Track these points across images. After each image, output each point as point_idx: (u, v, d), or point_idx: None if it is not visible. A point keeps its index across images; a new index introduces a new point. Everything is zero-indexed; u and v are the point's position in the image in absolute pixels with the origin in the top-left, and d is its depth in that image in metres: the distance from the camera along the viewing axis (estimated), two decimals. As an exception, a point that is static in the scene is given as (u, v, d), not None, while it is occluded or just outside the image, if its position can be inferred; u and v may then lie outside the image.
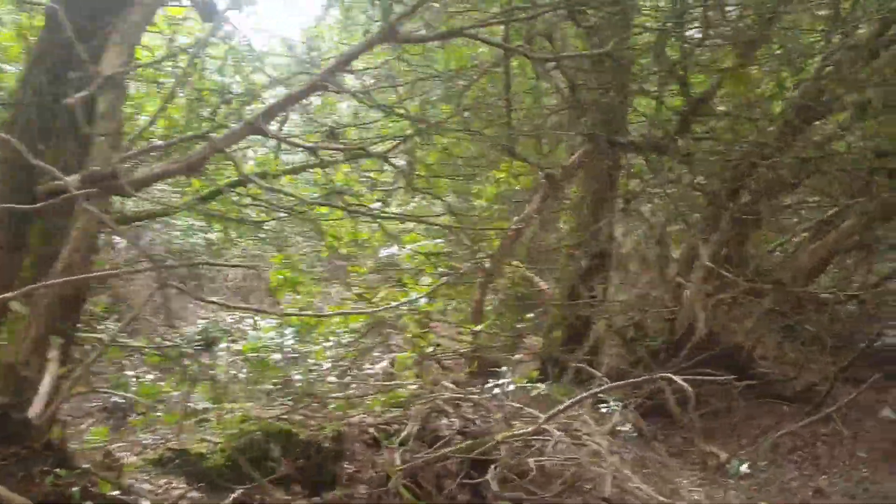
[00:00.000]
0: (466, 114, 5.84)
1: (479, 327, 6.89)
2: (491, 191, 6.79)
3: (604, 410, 5.72)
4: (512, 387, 6.32)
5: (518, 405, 4.71)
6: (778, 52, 5.82)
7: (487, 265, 6.85)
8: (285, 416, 3.77)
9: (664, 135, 5.85)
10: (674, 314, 7.45)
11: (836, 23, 5.54)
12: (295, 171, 5.67)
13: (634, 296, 7.48)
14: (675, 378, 4.44)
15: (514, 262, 7.72)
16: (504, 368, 6.60)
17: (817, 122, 8.03)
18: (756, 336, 9.02)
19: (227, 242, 8.36)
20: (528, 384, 5.12)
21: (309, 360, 5.29)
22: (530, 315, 7.69)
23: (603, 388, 4.80)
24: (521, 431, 3.90)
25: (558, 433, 3.94)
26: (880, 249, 10.57)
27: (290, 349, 5.32)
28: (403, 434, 3.95)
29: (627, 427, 5.05)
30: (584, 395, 4.53)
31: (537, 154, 5.81)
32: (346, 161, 5.63)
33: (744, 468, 5.49)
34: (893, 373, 10.74)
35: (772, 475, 5.68)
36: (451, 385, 4.88)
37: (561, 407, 4.16)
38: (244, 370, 4.60)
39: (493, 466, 3.82)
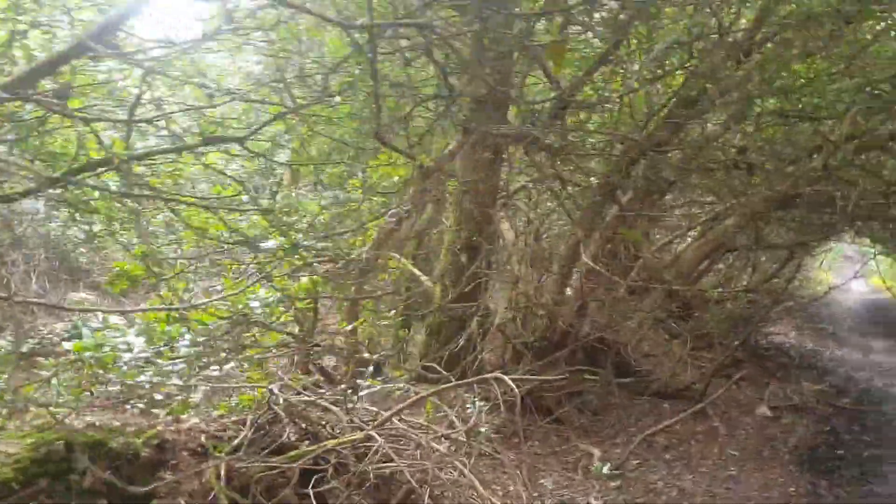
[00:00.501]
0: (337, 99, 5.53)
1: (353, 325, 6.59)
2: (370, 181, 6.52)
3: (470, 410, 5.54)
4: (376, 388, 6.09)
5: (373, 408, 4.44)
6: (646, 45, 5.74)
7: (363, 260, 6.56)
8: (100, 423, 3.39)
9: (538, 126, 5.70)
10: (556, 312, 7.33)
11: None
12: (142, 157, 5.22)
13: (516, 293, 7.34)
14: (506, 378, 4.26)
15: (397, 257, 7.45)
16: (370, 369, 6.35)
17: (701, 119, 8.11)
18: (640, 334, 9.09)
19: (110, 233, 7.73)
20: (390, 384, 4.86)
21: (159, 361, 4.90)
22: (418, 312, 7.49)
23: (440, 388, 4.62)
24: (349, 438, 3.62)
25: (387, 438, 3.68)
26: (763, 248, 10.90)
27: (139, 349, 4.92)
28: (236, 441, 3.62)
29: (484, 428, 4.85)
30: (417, 397, 4.34)
31: (411, 143, 5.53)
32: (200, 148, 5.21)
33: (606, 469, 5.37)
34: (774, 369, 11.11)
35: (640, 474, 5.61)
36: (307, 387, 4.56)
37: (388, 413, 3.92)
38: (69, 372, 4.17)
39: (325, 475, 3.54)
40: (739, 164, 7.01)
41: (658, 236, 11.29)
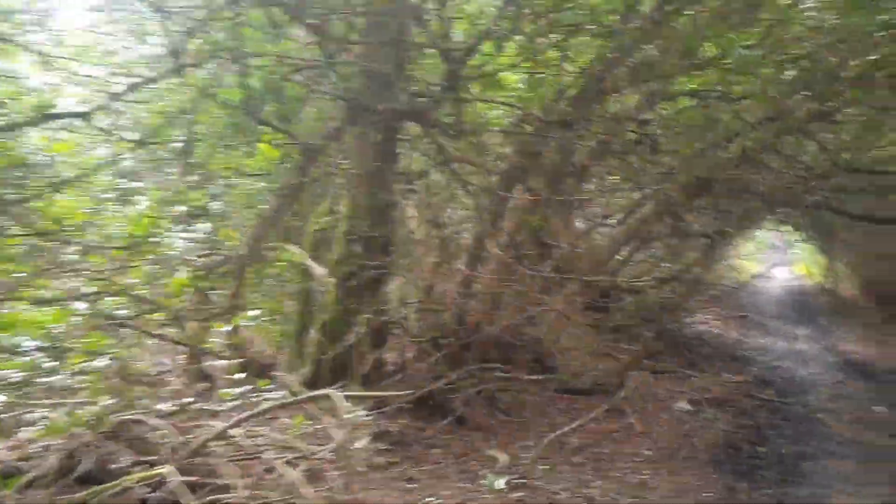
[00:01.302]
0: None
1: (233, 323, 5.93)
2: (251, 164, 5.85)
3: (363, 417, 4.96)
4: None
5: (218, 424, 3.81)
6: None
7: (244, 251, 5.92)
8: None
9: (433, 102, 5.15)
10: (463, 306, 6.81)
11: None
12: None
13: (421, 286, 6.79)
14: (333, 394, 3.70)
15: (289, 248, 6.80)
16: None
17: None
18: (557, 327, 8.65)
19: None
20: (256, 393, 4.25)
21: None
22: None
23: (301, 397, 4.04)
24: (148, 473, 3.00)
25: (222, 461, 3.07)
26: (684, 237, 10.65)
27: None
28: (37, 471, 2.96)
29: (364, 441, 4.28)
30: (261, 408, 3.75)
31: (286, 119, 4.89)
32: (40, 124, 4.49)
33: (500, 483, 4.85)
34: (696, 360, 10.85)
35: (545, 482, 5.10)
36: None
37: (216, 430, 3.32)
38: None
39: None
40: (643, 138, 6.56)
41: (581, 225, 10.93)
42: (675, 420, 7.29)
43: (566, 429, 6.05)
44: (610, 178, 9.35)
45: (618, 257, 10.51)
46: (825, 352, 12.82)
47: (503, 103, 6.08)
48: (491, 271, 7.03)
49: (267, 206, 5.87)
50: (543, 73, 6.29)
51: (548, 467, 5.55)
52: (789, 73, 7.53)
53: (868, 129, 8.54)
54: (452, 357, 6.72)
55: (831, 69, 6.84)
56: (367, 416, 5.59)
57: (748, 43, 5.80)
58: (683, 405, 7.79)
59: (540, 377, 7.14)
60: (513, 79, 6.48)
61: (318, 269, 6.61)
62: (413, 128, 6.21)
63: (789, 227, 15.21)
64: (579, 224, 10.96)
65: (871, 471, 5.86)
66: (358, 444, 4.04)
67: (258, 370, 7.12)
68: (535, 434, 6.39)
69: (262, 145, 5.82)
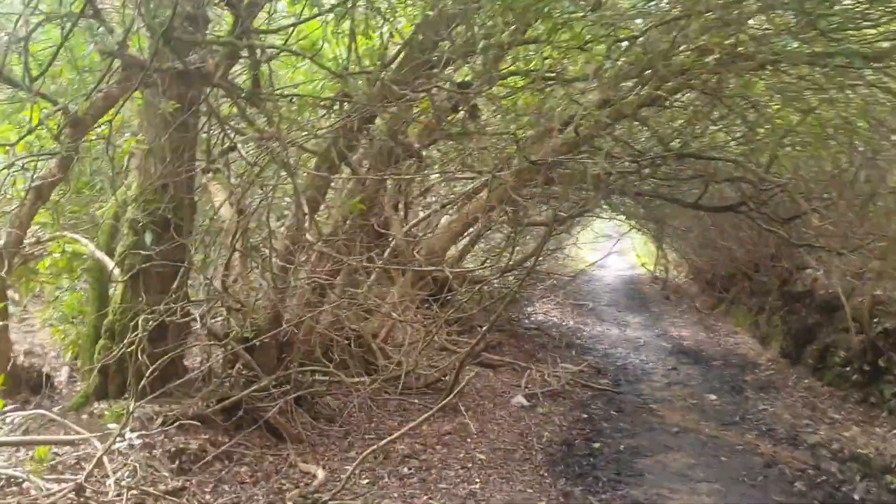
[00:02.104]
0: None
1: None
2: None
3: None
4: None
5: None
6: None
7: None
8: None
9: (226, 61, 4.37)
10: (280, 303, 6.04)
11: None
12: None
13: (229, 281, 5.95)
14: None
15: (75, 237, 5.78)
16: None
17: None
18: (391, 323, 8.08)
19: None
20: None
21: None
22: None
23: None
24: None
25: None
26: (521, 225, 10.39)
27: None
28: None
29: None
30: None
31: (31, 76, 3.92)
32: None
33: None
34: (535, 350, 10.66)
35: (366, 499, 4.49)
36: None
37: None
38: None
39: None
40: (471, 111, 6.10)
41: (420, 213, 10.41)
42: (511, 417, 6.91)
43: (395, 435, 5.43)
44: (445, 162, 8.86)
45: (459, 247, 10.09)
46: (657, 339, 13.11)
47: (322, 67, 5.37)
48: (313, 263, 6.31)
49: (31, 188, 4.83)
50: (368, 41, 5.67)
51: (369, 481, 4.93)
52: (623, 56, 7.36)
53: (697, 115, 8.57)
54: (267, 360, 5.94)
55: (662, 53, 6.68)
56: (159, 431, 4.78)
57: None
58: (520, 400, 7.45)
59: (367, 378, 6.49)
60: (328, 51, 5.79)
61: (109, 263, 5.63)
62: (218, 95, 5.37)
63: (623, 216, 15.50)
64: (418, 212, 10.47)
65: (706, 465, 5.71)
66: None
67: (33, 382, 6.06)
68: (362, 443, 5.77)
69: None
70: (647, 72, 7.83)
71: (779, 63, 7.32)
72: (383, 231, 7.84)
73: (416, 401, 7.03)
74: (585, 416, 7.21)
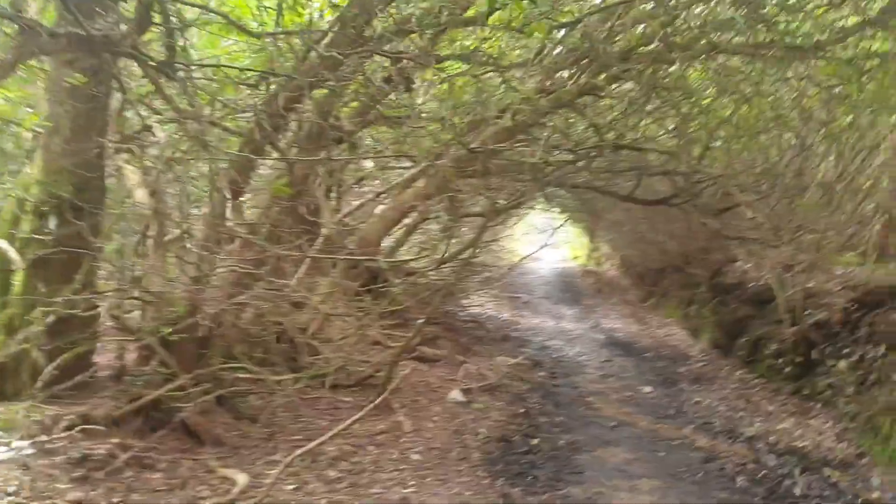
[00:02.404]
0: None
1: None
2: None
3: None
4: None
5: None
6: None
7: None
8: None
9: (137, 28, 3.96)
10: (200, 295, 5.62)
11: None
12: None
13: (142, 270, 5.52)
14: None
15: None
16: None
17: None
18: (321, 316, 7.72)
19: None
20: None
21: None
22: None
23: None
24: None
25: None
26: (457, 216, 10.15)
27: None
28: None
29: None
30: None
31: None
32: None
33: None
34: (471, 343, 10.45)
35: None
36: None
37: None
38: None
39: None
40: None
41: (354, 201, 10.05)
42: (447, 414, 6.66)
43: (323, 438, 5.11)
44: (381, 148, 8.53)
45: (393, 237, 9.79)
46: (591, 331, 13.10)
47: (246, 32, 4.97)
48: (235, 252, 5.91)
49: None
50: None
51: (295, 486, 4.61)
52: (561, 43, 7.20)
53: (632, 106, 8.47)
54: (185, 357, 5.53)
55: (600, 43, 6.54)
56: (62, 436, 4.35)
57: None
58: (457, 395, 7.21)
59: (294, 375, 6.14)
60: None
61: (11, 251, 5.13)
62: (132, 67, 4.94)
63: (557, 208, 15.49)
64: (351, 200, 10.11)
65: (645, 461, 5.58)
66: None
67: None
68: (288, 445, 5.42)
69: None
70: (584, 61, 7.72)
71: (715, 53, 7.28)
72: (314, 219, 7.47)
73: (348, 398, 6.71)
74: (523, 410, 7.02)
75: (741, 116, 8.33)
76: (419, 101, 7.60)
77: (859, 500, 4.86)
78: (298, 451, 4.65)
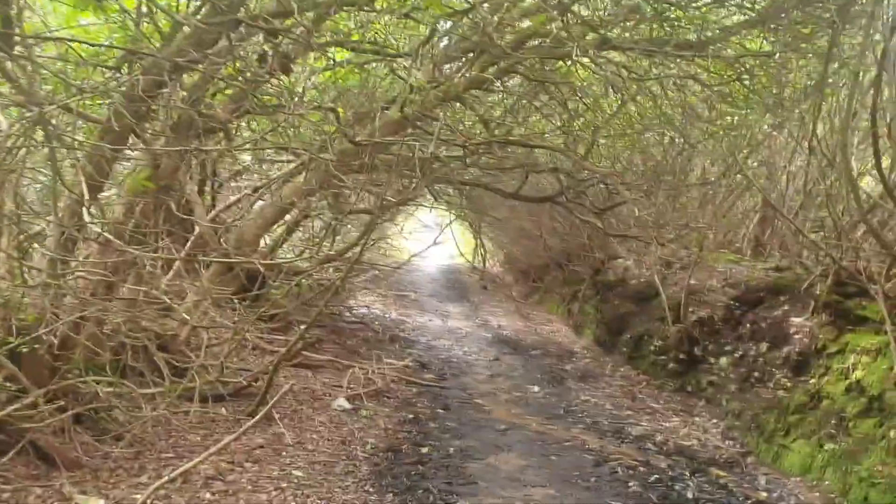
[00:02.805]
0: None
1: None
2: None
3: None
4: None
5: None
6: None
7: None
8: None
9: None
10: (54, 301, 5.01)
11: None
12: None
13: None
14: None
15: None
16: None
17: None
18: (195, 321, 7.16)
19: None
20: None
21: None
22: None
23: None
24: None
25: None
26: (342, 213, 9.76)
27: None
28: None
29: None
30: None
31: None
32: None
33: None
34: (358, 346, 10.08)
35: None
36: None
37: None
38: None
39: None
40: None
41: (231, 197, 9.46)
42: (332, 423, 6.30)
43: (196, 460, 4.65)
44: (259, 139, 8.02)
45: (270, 235, 9.29)
46: (478, 328, 13.03)
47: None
48: (94, 254, 5.32)
49: None
50: None
51: (165, 513, 4.14)
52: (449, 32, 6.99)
53: (520, 101, 8.40)
54: (37, 370, 4.91)
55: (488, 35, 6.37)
56: None
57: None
58: (342, 403, 6.86)
59: (160, 389, 5.60)
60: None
61: None
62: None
63: (445, 205, 15.32)
64: (228, 196, 9.53)
65: (537, 466, 5.44)
66: None
67: None
68: (157, 465, 4.92)
69: None
70: (472, 53, 7.54)
71: (607, 48, 7.29)
72: (186, 217, 6.92)
73: (224, 410, 6.23)
74: (412, 416, 6.75)
75: (625, 115, 8.41)
76: (299, 89, 7.18)
77: (749, 502, 4.88)
78: (169, 476, 4.18)
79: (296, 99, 6.42)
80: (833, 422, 5.10)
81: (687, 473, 5.27)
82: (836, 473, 4.81)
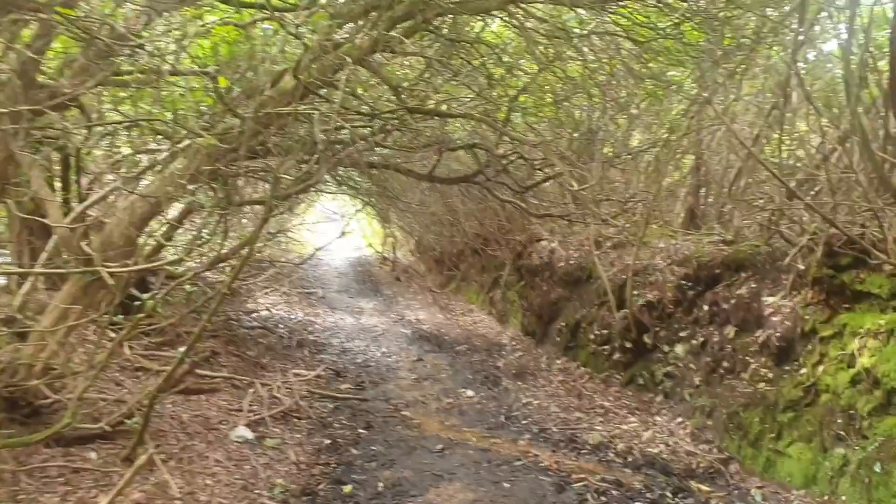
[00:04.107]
0: None
1: None
2: None
3: None
4: None
5: None
6: None
7: None
8: None
9: None
10: None
11: None
12: None
13: None
14: None
15: None
16: None
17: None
18: (56, 345, 5.81)
19: None
20: None
21: None
22: None
23: None
24: None
25: None
26: (231, 205, 8.48)
27: None
28: None
29: None
30: None
31: None
32: None
33: None
34: (260, 355, 8.84)
35: None
36: None
37: None
38: None
39: None
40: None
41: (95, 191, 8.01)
42: (231, 461, 5.12)
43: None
44: (123, 119, 6.68)
45: (150, 234, 7.90)
46: (395, 325, 11.99)
47: None
48: None
49: None
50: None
51: None
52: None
53: (433, 66, 7.36)
54: None
55: None
56: None
57: None
58: (243, 432, 5.68)
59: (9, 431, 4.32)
60: None
61: None
62: None
63: (350, 192, 14.13)
64: (95, 190, 8.08)
65: (488, 500, 4.45)
66: None
67: None
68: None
69: None
70: (374, 11, 6.49)
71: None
72: (28, 217, 5.58)
73: (94, 455, 4.96)
74: (328, 441, 5.66)
75: (550, 76, 7.52)
76: (170, 57, 5.91)
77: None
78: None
79: (163, 68, 5.19)
80: (840, 421, 4.31)
81: (668, 493, 4.39)
82: (854, 486, 3.99)
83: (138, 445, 4.87)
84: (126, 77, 5.93)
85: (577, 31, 7.10)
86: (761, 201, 7.14)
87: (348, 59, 6.22)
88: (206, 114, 6.65)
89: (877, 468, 3.84)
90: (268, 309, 11.40)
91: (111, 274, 5.95)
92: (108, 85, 5.77)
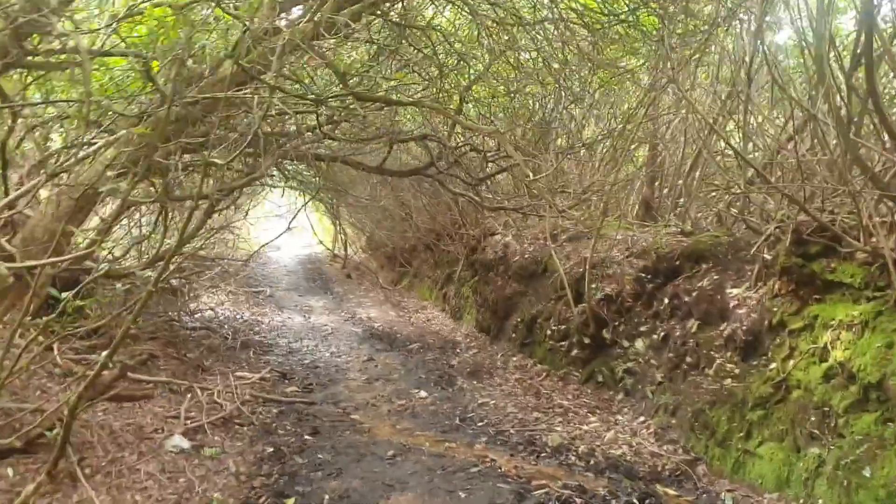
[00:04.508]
0: None
1: None
2: None
3: None
4: None
5: None
6: None
7: None
8: None
9: None
10: None
11: None
12: None
13: None
14: None
15: None
16: None
17: None
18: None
19: None
20: None
21: None
22: None
23: None
24: None
25: None
26: (168, 200, 8.02)
27: None
28: None
29: None
30: None
31: None
32: None
33: None
34: (202, 358, 8.39)
35: None
36: None
37: None
38: None
39: None
40: None
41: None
42: (165, 473, 4.73)
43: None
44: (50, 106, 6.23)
45: (83, 231, 7.41)
46: (345, 323, 11.63)
47: None
48: None
49: None
50: None
51: None
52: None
53: (382, 51, 7.04)
54: None
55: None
56: None
57: None
58: (179, 442, 5.28)
59: None
60: None
61: None
62: None
63: (296, 187, 13.69)
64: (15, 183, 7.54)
65: (429, 500, 4.15)
66: None
67: None
68: None
69: None
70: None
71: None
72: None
73: (10, 471, 4.52)
74: (271, 449, 5.29)
75: (503, 64, 7.26)
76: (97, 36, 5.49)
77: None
78: None
79: (85, 48, 4.76)
80: (813, 418, 4.12)
81: (635, 500, 4.14)
82: (832, 489, 3.78)
83: (59, 459, 4.45)
84: (43, 58, 5.48)
85: (529, 18, 6.86)
86: (718, 192, 7.00)
87: (291, 41, 5.87)
88: (139, 102, 6.24)
89: (856, 469, 3.64)
90: (212, 309, 10.93)
91: (29, 271, 5.50)
92: (23, 67, 5.30)
